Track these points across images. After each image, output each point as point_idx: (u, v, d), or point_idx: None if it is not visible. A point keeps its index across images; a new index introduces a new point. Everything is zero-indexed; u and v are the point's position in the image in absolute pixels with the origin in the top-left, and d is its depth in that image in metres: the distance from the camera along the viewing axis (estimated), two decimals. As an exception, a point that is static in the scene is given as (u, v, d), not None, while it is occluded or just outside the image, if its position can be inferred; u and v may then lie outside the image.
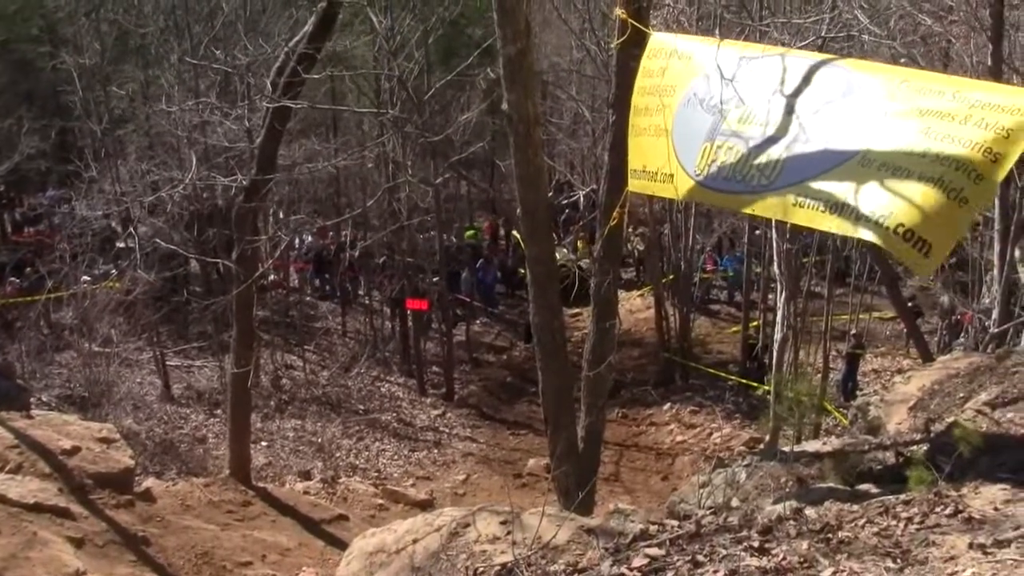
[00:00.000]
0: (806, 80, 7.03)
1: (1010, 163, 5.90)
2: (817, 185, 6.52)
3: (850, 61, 7.68)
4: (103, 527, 11.47)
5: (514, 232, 28.21)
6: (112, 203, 23.19)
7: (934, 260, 5.93)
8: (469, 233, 32.25)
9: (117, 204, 23.13)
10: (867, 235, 6.28)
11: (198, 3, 25.18)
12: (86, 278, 20.71)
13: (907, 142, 6.20)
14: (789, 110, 6.97)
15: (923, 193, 5.97)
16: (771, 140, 6.95)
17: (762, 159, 6.93)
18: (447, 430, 22.89)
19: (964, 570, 4.48)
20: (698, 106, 7.53)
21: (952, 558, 4.63)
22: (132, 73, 28.27)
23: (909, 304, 21.70)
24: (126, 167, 24.07)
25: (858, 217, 6.22)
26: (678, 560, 5.02)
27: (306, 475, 18.83)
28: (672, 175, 7.65)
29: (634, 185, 8.32)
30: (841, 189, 6.37)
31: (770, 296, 22.54)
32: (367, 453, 21.24)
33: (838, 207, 6.36)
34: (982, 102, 6.10)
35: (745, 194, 7.07)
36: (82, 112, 26.76)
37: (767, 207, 7.03)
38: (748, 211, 8.19)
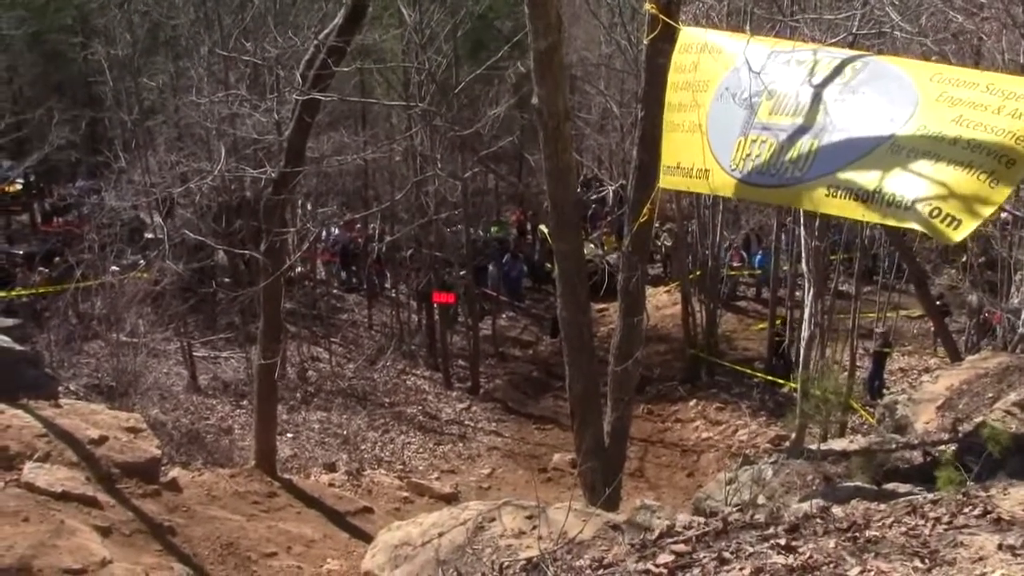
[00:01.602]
0: (836, 71, 7.00)
1: None
2: (847, 175, 6.51)
3: (881, 56, 7.64)
4: (129, 516, 11.54)
5: (541, 226, 28.23)
6: (141, 194, 23.31)
7: (962, 232, 5.87)
8: (495, 229, 32.27)
9: (146, 195, 23.26)
10: (895, 220, 6.26)
11: (228, -5, 25.28)
12: (114, 268, 20.79)
13: (938, 129, 6.18)
14: (818, 100, 6.93)
15: (953, 175, 5.99)
16: (802, 131, 6.93)
17: (794, 151, 6.90)
18: (472, 424, 22.93)
19: (993, 571, 4.44)
20: (730, 100, 7.49)
21: (981, 559, 4.59)
22: (162, 65, 28.46)
23: (937, 303, 21.51)
24: (155, 158, 24.23)
25: (888, 203, 6.22)
26: (704, 557, 5.00)
27: (331, 467, 18.85)
28: (707, 171, 7.59)
29: (667, 182, 8.22)
30: (871, 177, 6.37)
31: (797, 293, 22.43)
32: (392, 446, 21.28)
33: (868, 195, 6.35)
34: (1016, 94, 6.07)
35: (780, 187, 7.04)
36: (112, 103, 27.04)
37: (801, 199, 7.05)
38: (784, 204, 8.18)
